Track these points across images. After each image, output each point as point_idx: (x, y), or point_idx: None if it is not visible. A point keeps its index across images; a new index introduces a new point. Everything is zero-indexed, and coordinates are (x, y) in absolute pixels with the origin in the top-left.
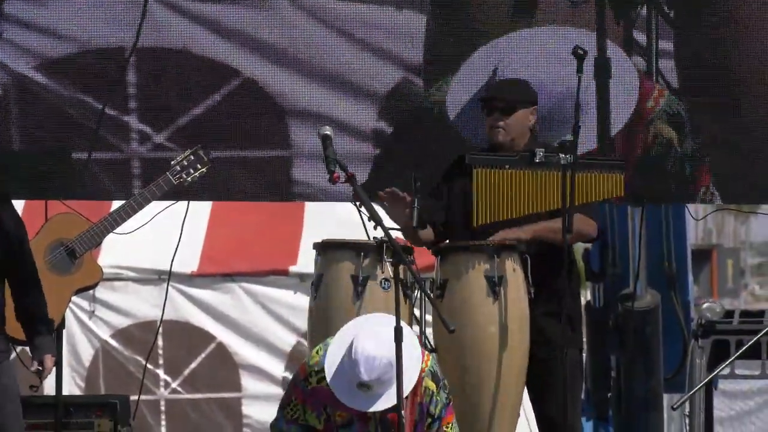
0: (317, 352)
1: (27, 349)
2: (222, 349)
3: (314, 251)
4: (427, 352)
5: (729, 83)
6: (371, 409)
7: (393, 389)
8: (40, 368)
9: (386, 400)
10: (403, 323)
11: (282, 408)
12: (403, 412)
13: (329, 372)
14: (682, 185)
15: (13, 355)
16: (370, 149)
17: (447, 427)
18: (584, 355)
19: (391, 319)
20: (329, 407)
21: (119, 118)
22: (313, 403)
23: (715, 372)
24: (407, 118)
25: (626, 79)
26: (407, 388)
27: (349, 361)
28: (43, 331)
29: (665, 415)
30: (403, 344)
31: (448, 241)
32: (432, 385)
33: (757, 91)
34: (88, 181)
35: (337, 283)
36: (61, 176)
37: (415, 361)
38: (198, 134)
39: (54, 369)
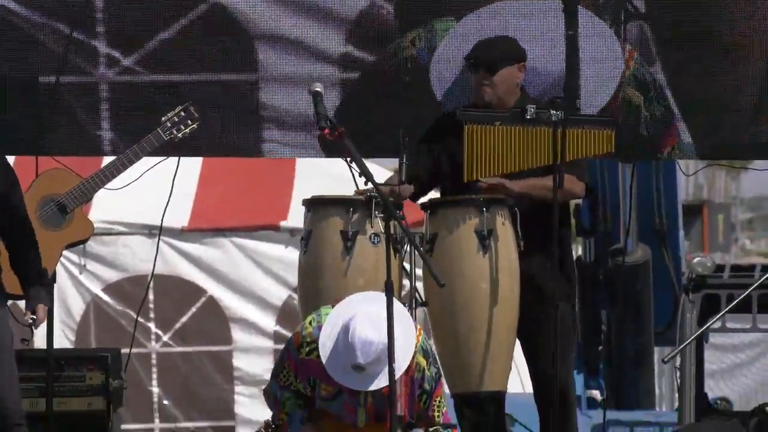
0: (310, 323)
1: (18, 303)
2: (213, 303)
3: (304, 207)
4: (419, 327)
5: (705, 40)
6: (366, 389)
7: (386, 369)
8: (33, 317)
9: (380, 380)
10: (398, 303)
11: (275, 374)
12: (396, 386)
13: (324, 352)
14: (647, 146)
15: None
16: (338, 73)
17: (437, 401)
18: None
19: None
20: (316, 380)
21: (87, 42)
22: (302, 373)
23: (706, 326)
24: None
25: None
26: (401, 369)
27: (345, 343)
28: (37, 282)
29: (656, 369)
30: (398, 326)
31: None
32: (423, 361)
33: (736, 47)
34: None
35: (327, 239)
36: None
37: (409, 343)
38: (166, 58)
39: (45, 322)
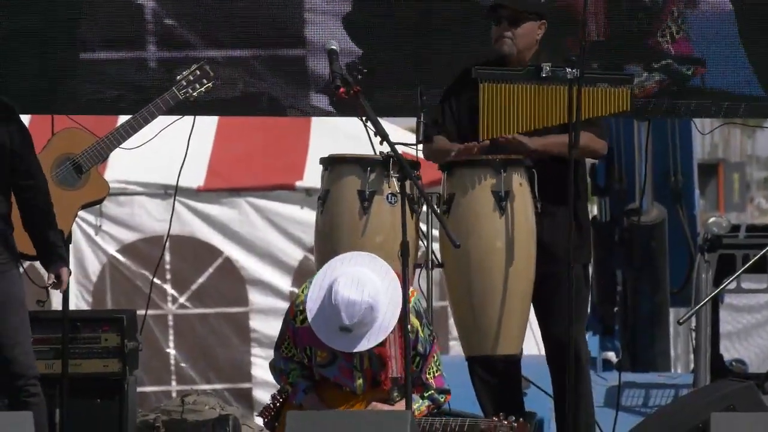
0: (302, 291)
1: (34, 264)
2: (229, 264)
3: (321, 166)
4: (412, 289)
5: None
6: (354, 350)
7: (374, 329)
8: (56, 281)
9: (368, 341)
10: (384, 263)
11: (278, 347)
12: (390, 348)
13: (310, 315)
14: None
15: (21, 270)
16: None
17: (431, 365)
18: (591, 269)
19: (371, 259)
20: (311, 347)
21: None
22: (299, 342)
23: (722, 286)
24: None
25: None
26: (390, 326)
27: (329, 305)
28: (56, 242)
29: (671, 330)
30: (383, 285)
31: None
32: (416, 323)
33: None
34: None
35: (344, 198)
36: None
37: (396, 301)
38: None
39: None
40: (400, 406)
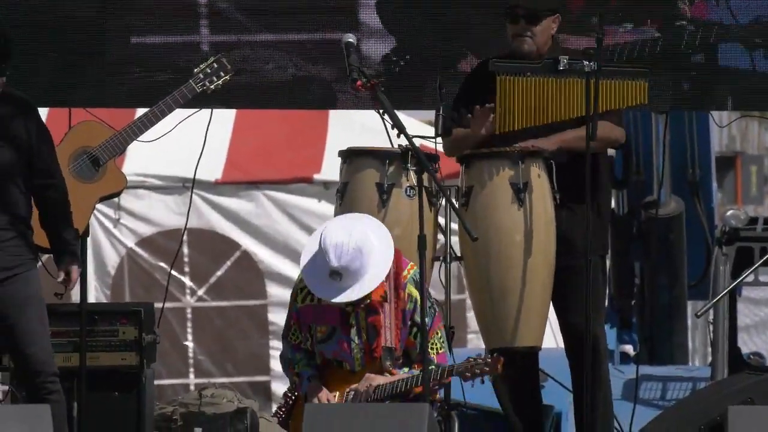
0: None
1: (52, 256)
2: (247, 257)
3: (339, 159)
4: (411, 263)
5: None
6: (341, 298)
7: (364, 279)
8: (67, 277)
9: (358, 290)
10: (372, 218)
11: (285, 336)
12: (385, 318)
13: (303, 265)
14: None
15: (39, 263)
16: None
17: (432, 339)
18: (608, 261)
19: (368, 217)
20: (312, 325)
21: None
22: (302, 324)
23: (739, 279)
24: None
25: None
26: (380, 276)
27: (319, 251)
28: (70, 240)
29: (689, 323)
30: (374, 237)
31: None
32: (415, 292)
33: None
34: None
35: (362, 191)
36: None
37: (388, 254)
38: None
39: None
40: (397, 375)
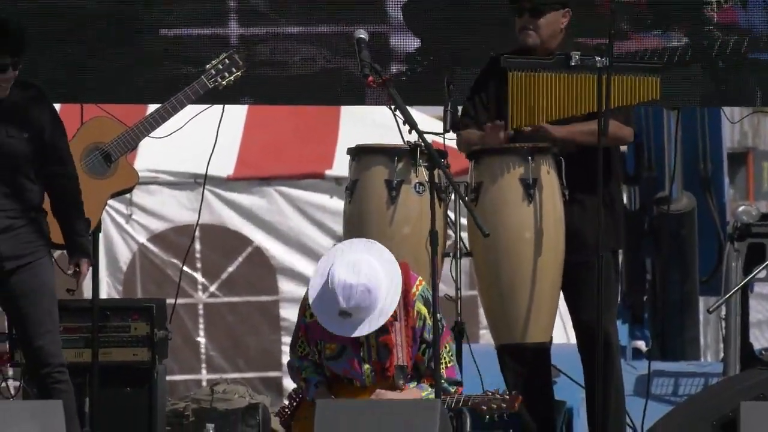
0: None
1: (65, 253)
2: (259, 253)
3: (348, 156)
4: (420, 278)
5: None
6: (354, 335)
7: (374, 314)
8: (77, 270)
9: (368, 326)
10: (385, 250)
11: (293, 348)
12: (395, 336)
13: (312, 301)
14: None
15: (56, 254)
16: None
17: (443, 351)
18: (620, 257)
19: (370, 245)
20: (320, 341)
21: None
22: (310, 338)
23: (751, 275)
24: None
25: None
26: (389, 309)
27: (327, 290)
28: (81, 233)
29: (701, 318)
30: (382, 270)
31: None
32: (424, 310)
33: None
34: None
35: (372, 188)
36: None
37: (395, 286)
38: None
39: (90, 272)
40: (407, 391)
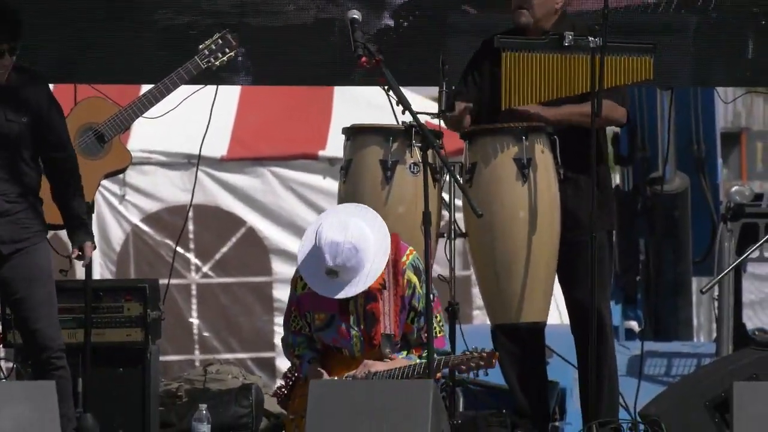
0: None
1: (58, 233)
2: (252, 234)
3: (343, 136)
4: (411, 248)
5: None
6: (340, 295)
7: (360, 275)
8: (80, 253)
9: (355, 287)
10: (367, 208)
11: (286, 321)
12: (383, 305)
13: (300, 265)
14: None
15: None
16: None
17: (432, 320)
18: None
19: (360, 208)
20: (310, 312)
21: None
22: (301, 311)
23: (744, 255)
24: None
25: None
26: (377, 271)
27: (315, 249)
28: (82, 214)
29: (694, 299)
30: (371, 232)
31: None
32: (414, 278)
33: None
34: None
35: (366, 168)
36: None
37: (384, 248)
38: None
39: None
40: (396, 360)
